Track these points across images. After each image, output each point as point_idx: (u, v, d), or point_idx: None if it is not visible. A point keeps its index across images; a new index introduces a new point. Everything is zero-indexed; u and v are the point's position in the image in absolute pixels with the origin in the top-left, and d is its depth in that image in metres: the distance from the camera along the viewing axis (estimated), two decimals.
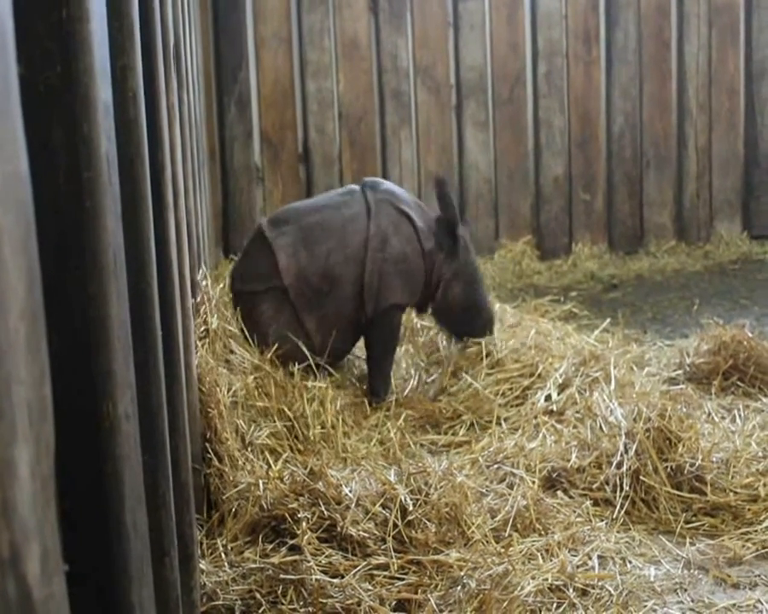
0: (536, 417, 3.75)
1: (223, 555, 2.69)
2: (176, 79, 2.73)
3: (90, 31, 1.29)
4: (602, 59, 7.40)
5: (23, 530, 0.66)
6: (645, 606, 2.52)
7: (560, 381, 4.01)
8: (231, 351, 3.77)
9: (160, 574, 1.75)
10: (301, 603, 2.44)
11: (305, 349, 3.94)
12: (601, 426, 3.40)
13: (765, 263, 7.25)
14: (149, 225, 1.76)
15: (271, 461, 3.20)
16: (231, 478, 2.95)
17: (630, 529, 2.98)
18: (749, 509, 3.02)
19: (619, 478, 3.12)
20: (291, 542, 2.66)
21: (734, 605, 2.54)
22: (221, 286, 4.32)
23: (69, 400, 1.24)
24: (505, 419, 3.85)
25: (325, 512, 2.72)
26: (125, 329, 1.45)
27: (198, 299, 3.53)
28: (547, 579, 2.56)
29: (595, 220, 7.51)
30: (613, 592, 2.57)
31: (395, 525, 2.69)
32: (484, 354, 4.23)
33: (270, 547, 2.69)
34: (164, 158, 2.12)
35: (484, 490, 3.11)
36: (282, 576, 2.51)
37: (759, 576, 2.70)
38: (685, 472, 3.10)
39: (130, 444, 1.39)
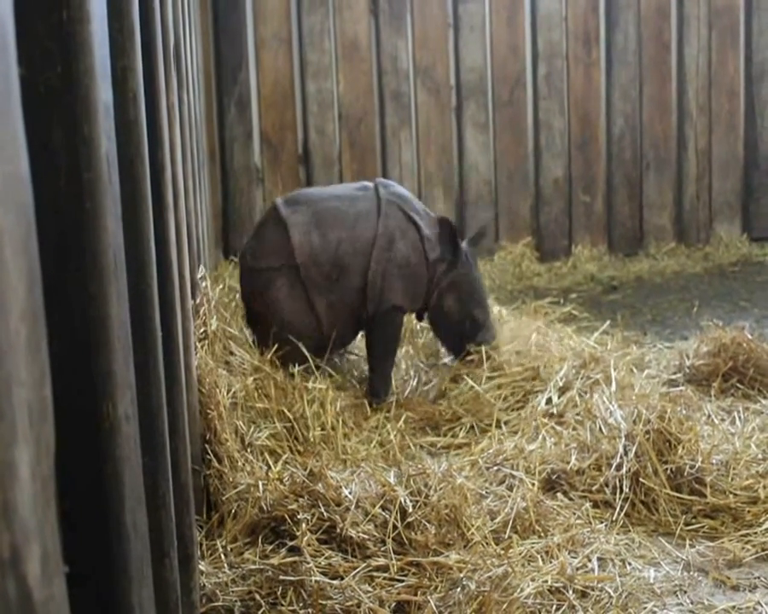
0: (535, 419, 3.75)
1: (222, 556, 2.68)
2: (176, 79, 2.73)
3: (90, 32, 1.29)
4: (602, 60, 7.40)
5: (23, 531, 0.66)
6: (645, 608, 2.52)
7: (560, 385, 4.01)
8: (231, 353, 3.77)
9: (160, 575, 1.75)
10: (301, 604, 2.44)
11: (304, 349, 3.94)
12: (600, 428, 3.40)
13: (764, 265, 7.25)
14: (149, 226, 1.76)
15: (271, 463, 3.20)
16: (231, 480, 2.95)
17: (629, 531, 2.98)
18: (749, 511, 3.02)
19: (619, 480, 3.12)
20: (291, 544, 2.66)
21: (733, 607, 2.54)
22: (221, 287, 4.32)
23: (69, 401, 1.24)
24: (505, 423, 3.85)
25: (325, 514, 2.72)
26: (124, 330, 1.45)
27: (198, 300, 3.53)
28: (547, 581, 2.56)
29: (595, 222, 7.51)
30: (612, 594, 2.56)
31: (395, 527, 2.69)
32: (484, 357, 4.23)
33: (270, 548, 2.69)
34: (164, 158, 2.12)
35: (483, 492, 3.11)
36: (281, 577, 2.51)
37: (758, 578, 2.70)
38: (685, 473, 3.10)
39: (130, 445, 1.39)
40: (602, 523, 3.00)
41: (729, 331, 4.28)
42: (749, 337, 4.23)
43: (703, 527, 2.99)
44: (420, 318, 4.54)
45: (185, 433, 2.24)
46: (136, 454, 1.47)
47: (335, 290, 4.15)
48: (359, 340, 4.59)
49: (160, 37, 2.19)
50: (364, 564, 2.58)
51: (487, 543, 2.75)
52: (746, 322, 4.89)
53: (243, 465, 3.07)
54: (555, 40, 7.29)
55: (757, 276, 6.87)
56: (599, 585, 2.61)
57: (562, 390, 3.98)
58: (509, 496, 3.03)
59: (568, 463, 3.27)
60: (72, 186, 1.26)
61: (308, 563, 2.53)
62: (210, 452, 2.99)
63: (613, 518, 3.03)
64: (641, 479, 3.10)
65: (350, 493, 2.78)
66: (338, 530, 2.67)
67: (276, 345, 3.89)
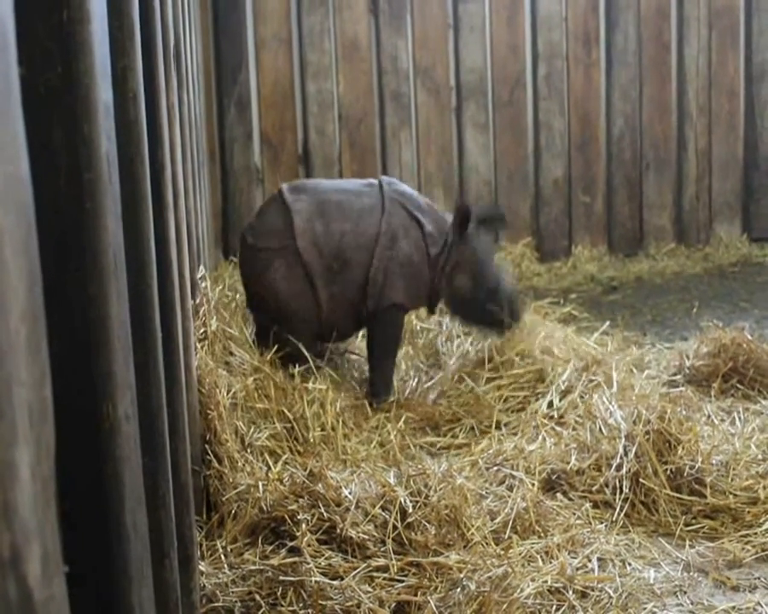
0: (535, 419, 3.74)
1: (222, 557, 2.68)
2: (176, 79, 2.73)
3: (90, 32, 1.28)
4: (601, 61, 7.39)
5: (24, 531, 0.66)
6: (645, 609, 2.52)
7: (562, 388, 4.00)
8: (231, 353, 3.77)
9: (160, 575, 1.75)
10: (301, 605, 2.44)
11: (304, 350, 3.94)
12: (600, 429, 3.40)
13: (764, 265, 7.25)
14: (149, 225, 1.76)
15: (271, 463, 3.20)
16: (231, 480, 2.95)
17: (629, 531, 2.98)
18: (749, 512, 3.02)
19: (619, 481, 3.11)
20: (291, 544, 2.66)
21: (733, 607, 2.54)
22: (220, 287, 4.31)
23: (69, 401, 1.24)
24: (506, 424, 3.84)
25: (325, 514, 2.72)
26: (124, 330, 1.45)
27: (198, 300, 3.53)
28: (546, 581, 2.56)
29: (594, 222, 7.51)
30: (612, 594, 2.56)
31: (395, 527, 2.69)
32: (486, 358, 4.23)
33: (270, 548, 2.69)
34: (164, 158, 2.12)
35: (483, 492, 3.11)
36: (281, 577, 2.51)
37: (758, 578, 2.70)
38: (685, 474, 3.10)
39: (130, 446, 1.39)
40: (601, 523, 3.00)
41: (729, 331, 4.28)
42: (749, 337, 4.23)
43: (703, 527, 2.99)
44: (431, 311, 4.53)
45: (185, 434, 2.23)
46: (136, 454, 1.47)
47: (337, 282, 4.15)
48: (360, 341, 4.58)
49: (160, 37, 2.19)
50: (364, 565, 2.57)
51: (487, 543, 2.75)
52: (746, 323, 4.89)
53: (243, 465, 3.07)
54: (555, 40, 7.29)
55: (757, 277, 6.87)
56: (599, 585, 2.61)
57: (564, 393, 3.98)
58: (509, 497, 3.03)
59: (568, 463, 3.27)
60: (72, 186, 1.26)
61: (308, 563, 2.53)
62: (210, 452, 2.99)
63: (613, 519, 3.03)
64: (641, 480, 3.10)
65: (350, 493, 2.78)
66: (338, 531, 2.67)
67: (275, 346, 3.90)
